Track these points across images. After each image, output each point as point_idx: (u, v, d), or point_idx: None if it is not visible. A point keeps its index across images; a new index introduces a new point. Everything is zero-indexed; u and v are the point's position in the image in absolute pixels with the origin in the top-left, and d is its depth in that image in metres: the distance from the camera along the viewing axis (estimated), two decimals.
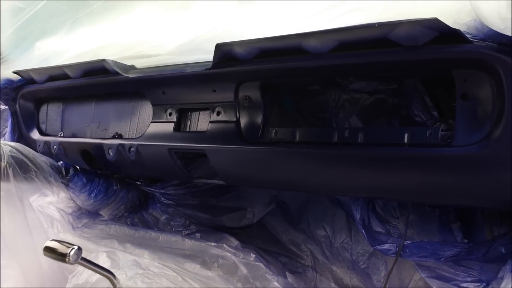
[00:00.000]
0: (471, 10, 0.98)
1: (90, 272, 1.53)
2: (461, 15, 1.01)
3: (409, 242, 1.52)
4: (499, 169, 1.05)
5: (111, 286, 1.51)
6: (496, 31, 0.94)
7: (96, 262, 1.54)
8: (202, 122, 1.59)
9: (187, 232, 2.37)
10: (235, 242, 2.08)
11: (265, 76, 1.38)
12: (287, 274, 2.08)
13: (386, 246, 1.57)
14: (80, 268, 1.62)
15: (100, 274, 1.50)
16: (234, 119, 1.45)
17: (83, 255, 1.42)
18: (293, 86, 1.53)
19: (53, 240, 1.45)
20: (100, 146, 1.84)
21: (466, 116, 1.07)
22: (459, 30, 0.99)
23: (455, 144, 1.09)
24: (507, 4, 0.87)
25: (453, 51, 1.02)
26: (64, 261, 1.38)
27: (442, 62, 1.06)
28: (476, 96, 1.05)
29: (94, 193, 2.11)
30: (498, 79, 0.99)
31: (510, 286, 1.16)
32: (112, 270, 1.55)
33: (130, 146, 1.72)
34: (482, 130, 1.05)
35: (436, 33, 1.01)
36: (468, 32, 1.01)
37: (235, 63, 1.37)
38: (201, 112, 1.60)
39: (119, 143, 1.76)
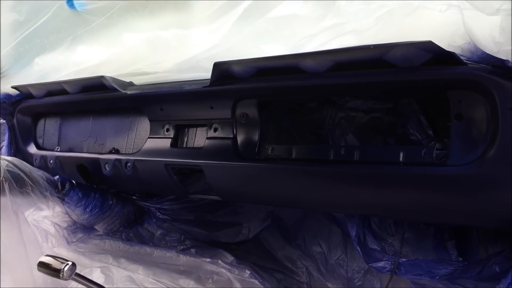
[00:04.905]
0: (465, 33, 1.00)
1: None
2: (455, 38, 1.03)
3: (404, 259, 1.52)
4: (493, 188, 1.06)
5: None
6: (489, 54, 0.96)
7: (90, 277, 1.53)
8: (199, 138, 1.60)
9: (182, 247, 2.35)
10: (230, 258, 2.06)
11: (262, 94, 1.39)
12: None
13: (381, 264, 1.57)
14: (74, 283, 1.61)
15: None
16: (231, 136, 1.46)
17: (77, 270, 1.41)
18: (290, 103, 1.54)
19: (47, 255, 1.44)
20: (96, 161, 1.84)
21: (460, 136, 1.09)
22: (454, 52, 1.01)
23: (449, 163, 1.10)
24: (500, 28, 0.89)
25: (447, 72, 1.04)
26: (58, 276, 1.37)
27: (437, 83, 1.08)
28: (470, 117, 1.07)
29: (90, 208, 2.10)
30: (492, 100, 1.00)
31: None
32: (106, 286, 1.54)
33: (127, 161, 1.72)
34: (476, 150, 1.06)
35: (430, 55, 1.03)
36: (462, 55, 1.03)
37: (232, 81, 1.38)
38: (198, 129, 1.61)
39: (115, 158, 1.77)
